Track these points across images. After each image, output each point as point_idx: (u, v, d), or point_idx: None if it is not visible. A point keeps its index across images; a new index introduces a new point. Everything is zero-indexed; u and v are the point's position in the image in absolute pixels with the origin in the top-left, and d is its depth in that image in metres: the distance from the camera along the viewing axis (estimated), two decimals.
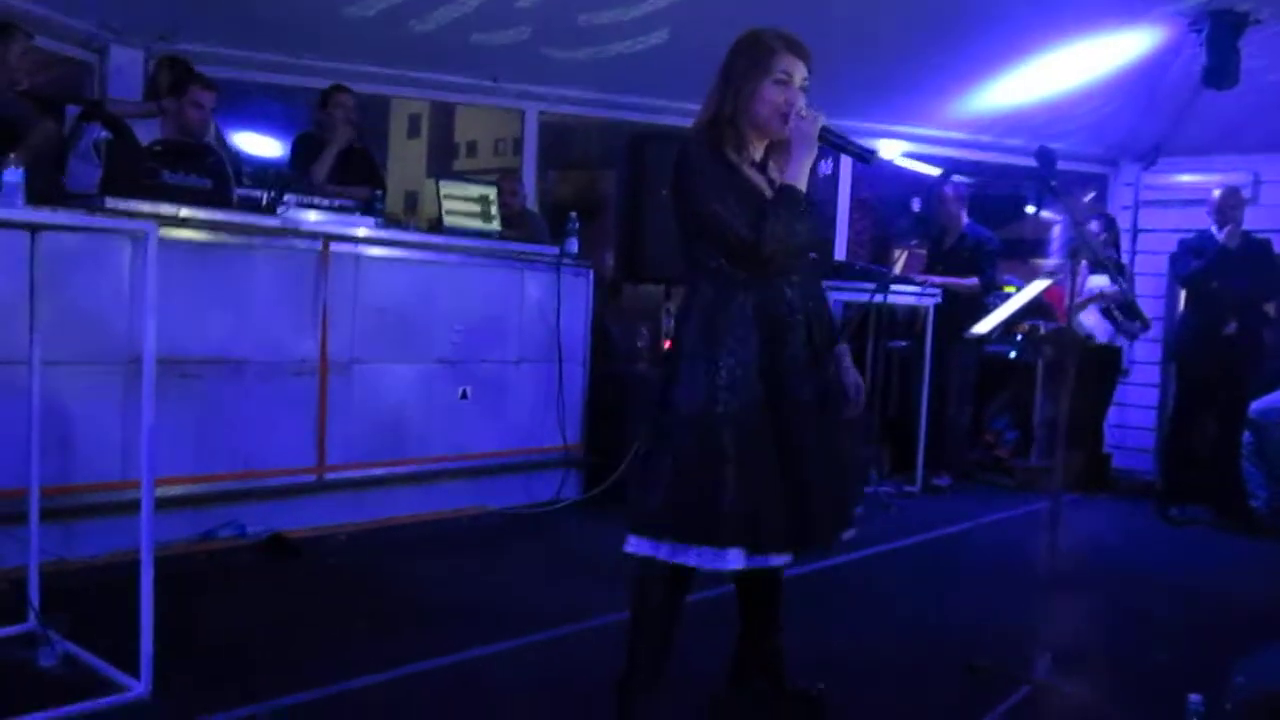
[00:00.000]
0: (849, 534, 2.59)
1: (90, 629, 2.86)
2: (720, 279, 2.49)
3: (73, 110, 4.13)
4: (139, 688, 2.59)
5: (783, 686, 2.85)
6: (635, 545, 2.45)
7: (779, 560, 2.46)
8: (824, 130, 2.46)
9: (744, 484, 2.38)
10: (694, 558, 2.40)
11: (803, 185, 2.45)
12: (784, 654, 2.86)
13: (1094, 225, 6.58)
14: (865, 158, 2.52)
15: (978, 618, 3.83)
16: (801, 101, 2.48)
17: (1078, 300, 6.41)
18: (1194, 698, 2.52)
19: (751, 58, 2.51)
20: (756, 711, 2.83)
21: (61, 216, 2.86)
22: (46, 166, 3.90)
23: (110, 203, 3.65)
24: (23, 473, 2.93)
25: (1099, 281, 6.48)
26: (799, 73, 2.49)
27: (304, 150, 5.48)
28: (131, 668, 2.61)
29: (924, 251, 6.88)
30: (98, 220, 3.23)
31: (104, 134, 3.77)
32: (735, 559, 2.38)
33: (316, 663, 2.95)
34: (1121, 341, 6.74)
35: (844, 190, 7.25)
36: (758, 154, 2.58)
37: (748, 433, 2.41)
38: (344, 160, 5.41)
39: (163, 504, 3.15)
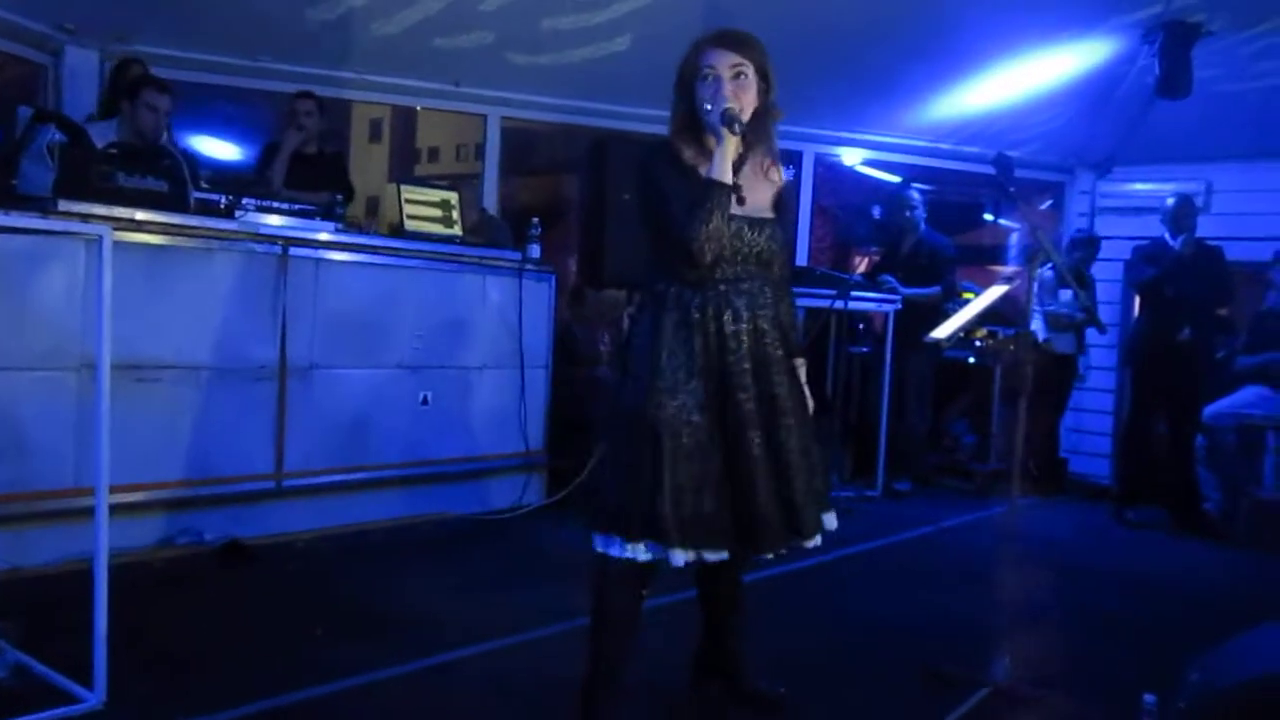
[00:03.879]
0: (812, 543, 2.58)
1: (43, 639, 2.81)
2: (670, 282, 2.54)
3: (25, 112, 4.06)
4: (93, 698, 2.55)
5: (741, 688, 2.86)
6: (599, 543, 2.49)
7: (714, 557, 2.47)
8: (725, 113, 2.43)
9: (681, 484, 2.42)
10: (644, 552, 2.44)
11: (723, 177, 2.44)
12: (743, 657, 2.87)
13: (1069, 245, 6.68)
14: (730, 124, 2.42)
15: (937, 621, 3.86)
16: (707, 94, 2.47)
17: (1050, 315, 6.55)
18: (1149, 698, 2.55)
19: (684, 62, 2.54)
20: (715, 713, 2.83)
21: (13, 219, 2.81)
22: None
23: (64, 205, 3.59)
24: None
25: (1067, 297, 6.57)
26: (724, 61, 2.48)
27: (264, 156, 5.49)
28: (85, 678, 2.57)
29: (878, 258, 6.95)
30: (51, 223, 3.19)
31: (58, 136, 3.70)
32: (678, 558, 2.42)
33: (274, 671, 2.92)
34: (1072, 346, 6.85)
35: (805, 197, 7.30)
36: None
37: (686, 434, 2.45)
38: (306, 164, 5.38)
39: (118, 511, 3.10)
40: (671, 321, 2.50)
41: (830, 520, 2.65)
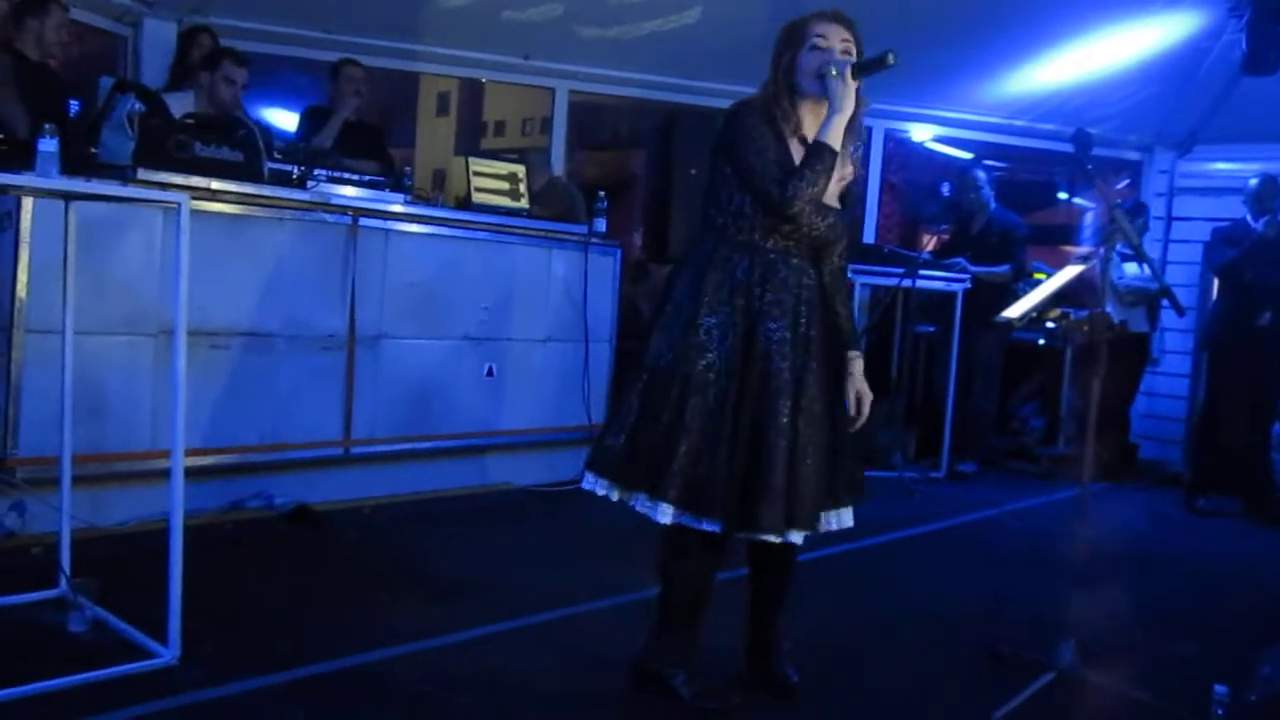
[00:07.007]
0: (797, 537, 2.48)
1: (120, 596, 2.89)
2: (722, 238, 2.53)
3: (106, 82, 4.16)
4: (167, 654, 2.62)
5: (768, 667, 2.77)
6: (588, 482, 2.53)
7: (709, 527, 2.42)
8: (852, 67, 2.42)
9: (694, 443, 2.41)
10: (636, 504, 2.46)
11: (834, 144, 2.44)
12: (781, 635, 2.79)
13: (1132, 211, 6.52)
14: (884, 61, 2.37)
15: (1002, 604, 3.82)
16: (815, 61, 2.47)
17: (1119, 290, 6.41)
18: (1219, 689, 2.50)
19: (788, 31, 2.54)
20: (732, 690, 2.75)
21: (95, 186, 2.87)
22: None
23: (143, 174, 3.67)
24: (55, 440, 2.97)
25: (1132, 270, 6.42)
26: (836, 35, 2.49)
27: (309, 121, 5.49)
28: (160, 634, 2.64)
29: (947, 237, 6.83)
30: (130, 191, 3.25)
31: (137, 106, 3.78)
32: (665, 513, 2.41)
33: (340, 633, 2.98)
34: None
35: (874, 173, 7.20)
36: (810, 131, 2.54)
37: (711, 393, 2.44)
38: (349, 133, 5.40)
39: (192, 474, 3.17)
40: (714, 280, 2.48)
41: (841, 519, 2.59)
